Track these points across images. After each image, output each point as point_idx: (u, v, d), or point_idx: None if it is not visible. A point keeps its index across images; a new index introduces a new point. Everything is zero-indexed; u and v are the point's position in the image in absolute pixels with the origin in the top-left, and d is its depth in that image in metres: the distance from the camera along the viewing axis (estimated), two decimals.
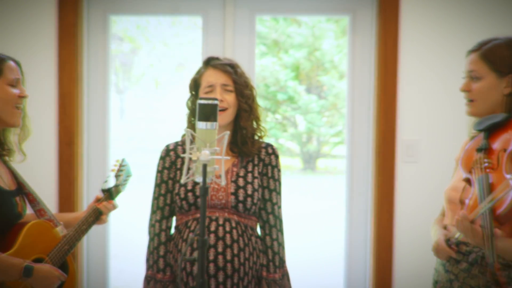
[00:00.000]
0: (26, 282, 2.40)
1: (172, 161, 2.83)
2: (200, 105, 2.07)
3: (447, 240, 2.30)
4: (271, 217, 2.81)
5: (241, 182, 2.75)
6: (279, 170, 2.86)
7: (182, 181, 2.10)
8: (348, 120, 3.94)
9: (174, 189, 2.78)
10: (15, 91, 2.50)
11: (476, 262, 2.28)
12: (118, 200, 2.88)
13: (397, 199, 3.79)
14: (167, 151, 2.85)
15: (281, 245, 2.82)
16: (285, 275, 2.84)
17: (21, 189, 2.61)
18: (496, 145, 2.21)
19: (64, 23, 3.77)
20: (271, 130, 9.78)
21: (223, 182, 2.11)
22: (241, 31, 3.88)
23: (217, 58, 2.85)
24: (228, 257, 2.67)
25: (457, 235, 2.22)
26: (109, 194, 2.83)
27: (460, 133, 2.76)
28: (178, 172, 2.81)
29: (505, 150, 2.14)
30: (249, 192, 2.74)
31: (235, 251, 2.68)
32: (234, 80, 2.78)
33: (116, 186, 2.86)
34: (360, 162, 3.93)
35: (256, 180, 2.78)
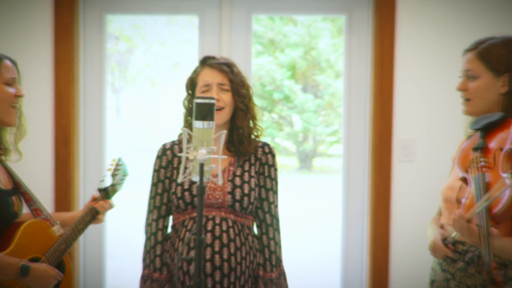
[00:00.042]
0: (23, 282, 2.39)
1: (168, 160, 2.83)
2: (197, 104, 2.07)
3: (444, 239, 2.30)
4: (267, 216, 2.82)
5: (237, 181, 2.75)
6: (275, 169, 2.86)
7: (179, 180, 2.09)
8: (345, 119, 3.94)
9: (171, 188, 2.78)
10: (11, 90, 2.50)
11: (473, 261, 2.28)
12: (114, 199, 2.87)
13: (394, 198, 3.80)
14: (163, 150, 2.85)
15: (277, 244, 2.82)
16: (281, 274, 2.84)
17: (18, 189, 2.61)
18: (493, 144, 2.21)
19: (60, 22, 3.76)
20: (267, 129, 9.78)
21: (220, 181, 2.11)
22: (238, 30, 3.88)
23: (213, 57, 2.85)
24: (225, 256, 2.67)
25: (454, 234, 2.22)
26: (106, 193, 2.83)
27: (456, 132, 2.76)
28: (174, 171, 2.81)
29: (501, 149, 2.14)
30: (246, 191, 2.74)
31: (232, 250, 2.68)
32: (231, 79, 2.78)
33: (113, 185, 2.86)
34: (356, 161, 3.93)
35: (252, 179, 2.78)
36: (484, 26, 3.68)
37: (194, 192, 2.71)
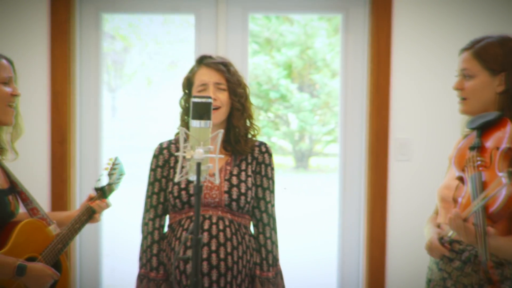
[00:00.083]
0: (19, 281, 2.39)
1: (165, 159, 2.82)
2: (194, 103, 2.07)
3: (441, 239, 2.30)
4: (264, 215, 2.82)
5: (234, 180, 2.76)
6: (272, 169, 2.86)
7: (176, 179, 2.09)
8: (341, 118, 3.94)
9: (168, 188, 2.78)
10: (8, 89, 2.49)
11: (469, 261, 2.28)
12: (111, 198, 2.87)
13: (390, 197, 3.80)
14: (160, 149, 2.85)
15: (274, 243, 2.82)
16: (278, 274, 2.85)
17: (14, 188, 2.60)
18: (489, 143, 2.21)
19: (56, 21, 3.76)
20: (264, 128, 9.77)
21: (217, 180, 2.11)
22: (234, 29, 3.88)
23: (210, 57, 2.85)
24: (222, 255, 2.67)
25: (450, 233, 2.23)
26: (102, 192, 2.83)
27: (453, 132, 2.76)
28: (171, 170, 2.81)
29: (498, 148, 2.14)
30: (243, 190, 2.74)
31: (229, 250, 2.68)
32: (227, 78, 2.78)
33: (109, 184, 2.86)
34: (353, 161, 3.94)
35: (249, 179, 2.78)
36: (481, 25, 3.68)
37: (191, 191, 2.71)
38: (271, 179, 2.85)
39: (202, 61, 2.83)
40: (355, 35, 3.88)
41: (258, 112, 2.66)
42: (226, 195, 2.72)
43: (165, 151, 2.84)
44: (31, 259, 2.48)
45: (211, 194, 2.72)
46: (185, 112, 2.84)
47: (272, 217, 2.83)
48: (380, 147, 3.78)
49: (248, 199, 2.75)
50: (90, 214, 2.74)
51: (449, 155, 2.49)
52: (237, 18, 3.88)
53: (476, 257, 2.26)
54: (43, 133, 3.79)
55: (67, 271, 2.66)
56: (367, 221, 3.83)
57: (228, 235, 2.70)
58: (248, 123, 2.86)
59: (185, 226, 2.71)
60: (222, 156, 2.44)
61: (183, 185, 2.72)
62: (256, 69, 9.66)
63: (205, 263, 2.65)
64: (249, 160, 2.83)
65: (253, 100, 2.92)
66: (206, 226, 2.68)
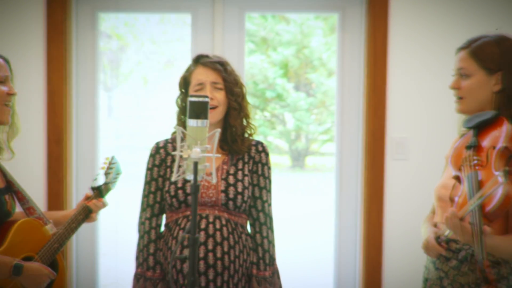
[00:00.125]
0: (16, 281, 2.39)
1: (162, 158, 2.82)
2: (191, 102, 2.07)
3: (437, 238, 2.30)
4: (261, 214, 2.82)
5: (231, 179, 2.75)
6: (269, 168, 2.86)
7: (173, 178, 2.09)
8: (338, 117, 3.94)
9: (164, 187, 2.78)
10: (4, 88, 2.49)
11: (466, 260, 2.28)
12: (107, 198, 2.87)
13: (387, 196, 3.80)
14: (157, 149, 2.85)
15: (271, 242, 2.82)
16: (275, 273, 2.85)
17: (10, 187, 2.60)
18: (486, 142, 2.22)
19: (52, 20, 3.75)
20: (260, 127, 9.72)
21: (214, 179, 2.11)
22: (231, 28, 3.88)
23: (206, 56, 2.84)
24: (218, 254, 2.67)
25: (447, 232, 2.23)
26: (99, 192, 2.83)
27: (449, 131, 2.77)
28: (168, 169, 2.80)
29: (494, 148, 2.14)
30: (240, 189, 2.74)
31: (225, 249, 2.68)
32: (224, 78, 2.78)
33: (106, 184, 2.86)
34: (349, 160, 3.94)
35: (246, 178, 2.78)
36: (477, 24, 3.69)
37: (188, 190, 2.71)
38: (267, 178, 2.85)
39: (199, 60, 2.83)
40: (351, 34, 3.89)
41: (254, 111, 2.66)
42: (223, 194, 2.72)
43: (161, 150, 2.84)
44: (28, 258, 2.48)
45: (208, 193, 2.72)
46: (182, 111, 2.84)
47: (269, 216, 2.83)
48: (376, 146, 3.78)
49: (245, 198, 2.75)
50: (86, 214, 2.73)
51: (446, 154, 2.50)
52: (234, 17, 3.88)
53: (472, 256, 2.26)
54: (40, 132, 3.78)
55: (63, 270, 2.66)
56: (364, 220, 3.83)
57: (225, 234, 2.70)
58: (245, 122, 2.86)
59: (182, 225, 2.71)
60: (219, 155, 2.44)
61: (179, 184, 2.72)
62: (252, 68, 9.65)
63: (201, 262, 2.65)
64: (246, 159, 2.83)
65: (249, 99, 2.92)
66: (202, 225, 2.68)
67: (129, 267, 2.97)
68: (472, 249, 2.26)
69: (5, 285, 2.39)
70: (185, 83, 2.84)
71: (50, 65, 3.76)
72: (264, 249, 2.80)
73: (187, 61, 2.94)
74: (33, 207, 2.61)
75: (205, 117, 2.06)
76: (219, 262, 2.66)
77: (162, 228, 2.83)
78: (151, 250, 2.77)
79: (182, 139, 2.08)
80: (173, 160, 2.80)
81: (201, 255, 2.65)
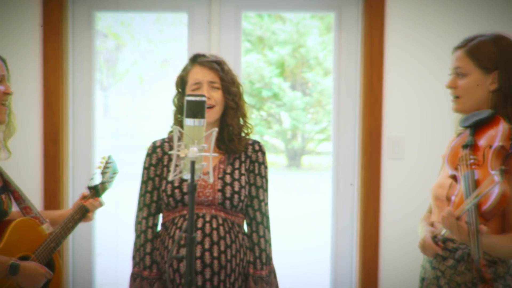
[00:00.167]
0: (12, 280, 2.39)
1: (158, 158, 2.82)
2: (188, 102, 2.07)
3: (434, 237, 2.31)
4: (258, 214, 2.82)
5: (228, 179, 2.75)
6: (266, 167, 2.86)
7: (170, 178, 2.09)
8: (334, 117, 3.95)
9: (161, 186, 2.78)
10: (0, 87, 2.49)
11: (463, 259, 2.29)
12: (104, 197, 2.87)
13: (383, 196, 3.81)
14: (153, 148, 2.84)
15: (268, 242, 2.82)
16: (272, 272, 2.85)
17: (7, 187, 2.60)
18: (482, 141, 2.22)
19: (48, 20, 3.75)
20: (256, 127, 9.75)
21: (211, 179, 2.11)
22: (227, 27, 3.88)
23: (203, 55, 2.84)
24: (215, 253, 2.67)
25: (444, 232, 2.23)
26: (95, 191, 2.82)
27: (446, 130, 2.77)
28: (164, 169, 2.80)
29: (490, 147, 2.15)
30: (236, 189, 2.74)
31: (222, 248, 2.68)
32: (221, 77, 2.78)
33: (102, 183, 2.85)
34: (346, 159, 3.94)
35: (243, 177, 2.78)
36: (474, 23, 3.69)
37: (185, 189, 2.71)
38: (264, 177, 2.85)
39: (196, 59, 2.83)
40: (348, 33, 3.89)
41: (250, 110, 2.67)
42: (219, 194, 2.72)
43: (158, 150, 2.83)
44: (24, 258, 2.48)
45: (205, 193, 2.72)
46: (179, 110, 2.84)
47: (265, 215, 2.83)
48: (373, 145, 3.79)
49: (242, 198, 2.75)
50: (83, 213, 2.73)
51: (443, 153, 2.50)
52: (230, 16, 3.88)
53: (469, 255, 2.27)
54: (36, 131, 3.78)
55: (60, 270, 2.66)
56: (360, 220, 3.83)
57: (222, 234, 2.69)
58: (241, 122, 2.86)
59: (179, 225, 2.71)
60: (216, 154, 2.44)
61: (176, 184, 2.72)
62: (249, 68, 9.65)
63: (198, 262, 2.65)
64: (243, 159, 2.83)
65: (245, 98, 2.92)
66: (199, 225, 2.68)
67: (126, 267, 2.97)
68: (468, 248, 2.26)
69: (1, 284, 2.39)
70: (182, 82, 2.84)
71: (47, 65, 3.76)
72: (261, 249, 2.80)
73: (184, 61, 2.94)
74: (29, 207, 2.61)
75: (202, 117, 2.06)
76: (215, 261, 2.66)
77: (159, 228, 2.83)
78: (148, 250, 2.77)
79: (179, 138, 2.08)
80: (170, 159, 2.80)
81: (198, 254, 2.65)
